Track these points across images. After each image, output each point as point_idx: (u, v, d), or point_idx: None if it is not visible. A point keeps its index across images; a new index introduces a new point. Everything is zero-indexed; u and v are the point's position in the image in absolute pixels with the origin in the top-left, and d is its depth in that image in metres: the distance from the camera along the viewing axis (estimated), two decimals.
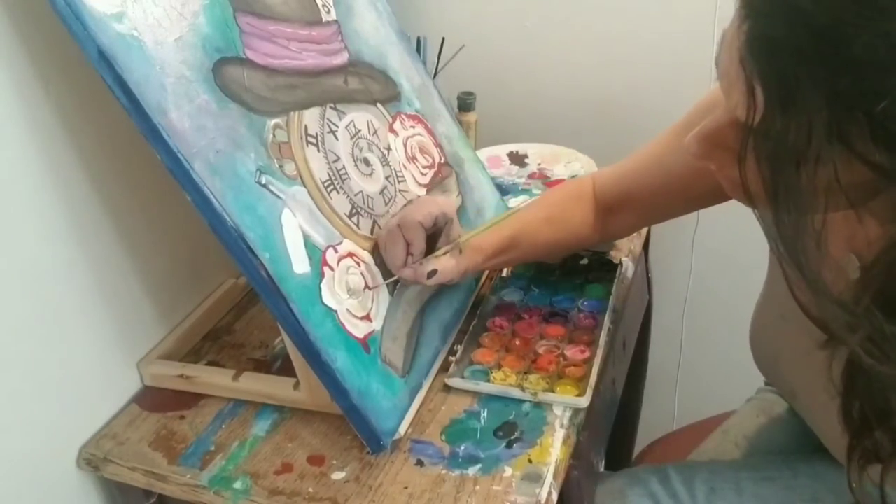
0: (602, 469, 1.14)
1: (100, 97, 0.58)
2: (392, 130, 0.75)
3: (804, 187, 0.40)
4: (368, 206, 0.68)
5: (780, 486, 0.74)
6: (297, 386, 0.68)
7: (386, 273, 0.67)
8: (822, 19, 0.37)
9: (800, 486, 0.73)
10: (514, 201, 0.96)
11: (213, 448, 0.66)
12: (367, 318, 0.64)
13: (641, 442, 1.12)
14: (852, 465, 0.50)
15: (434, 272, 0.65)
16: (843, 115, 0.37)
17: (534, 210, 0.75)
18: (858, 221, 0.43)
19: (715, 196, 0.64)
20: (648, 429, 1.13)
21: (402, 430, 0.65)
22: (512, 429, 0.65)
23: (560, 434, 0.65)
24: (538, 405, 0.68)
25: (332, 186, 0.65)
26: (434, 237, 0.68)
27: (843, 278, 0.49)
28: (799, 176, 0.39)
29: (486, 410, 0.68)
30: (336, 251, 0.63)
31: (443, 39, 1.01)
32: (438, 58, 1.01)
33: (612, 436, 1.06)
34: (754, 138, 0.41)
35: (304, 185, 0.62)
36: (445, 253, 0.67)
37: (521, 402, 0.68)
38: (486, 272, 0.86)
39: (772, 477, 0.75)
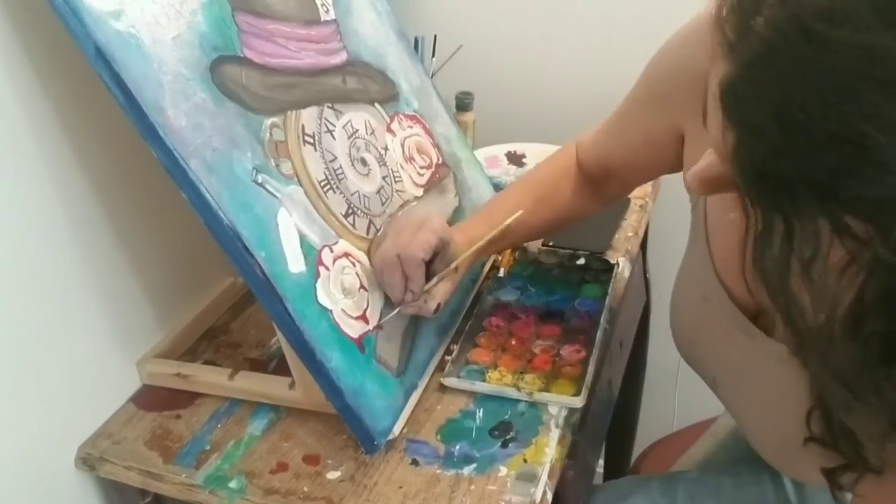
0: (600, 471, 1.14)
1: (99, 96, 0.58)
2: (390, 130, 0.75)
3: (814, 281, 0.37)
4: (365, 206, 0.68)
5: (759, 492, 0.74)
6: (292, 385, 0.68)
7: (389, 308, 0.67)
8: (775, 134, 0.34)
9: (780, 490, 0.73)
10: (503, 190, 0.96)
11: (208, 447, 0.66)
12: (362, 317, 0.64)
13: (641, 442, 1.12)
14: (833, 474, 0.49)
15: (439, 307, 0.66)
16: (840, 210, 0.34)
17: (523, 194, 0.73)
18: None
19: (679, 165, 0.63)
20: (648, 429, 1.13)
21: (397, 429, 0.65)
22: (507, 428, 0.66)
23: (555, 434, 0.65)
24: (534, 405, 0.68)
25: (328, 186, 0.65)
26: (432, 261, 0.67)
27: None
28: (809, 269, 0.36)
29: (481, 410, 0.68)
30: (332, 251, 0.63)
31: (435, 37, 1.01)
32: (433, 56, 1.01)
33: (611, 437, 1.06)
34: (760, 247, 0.38)
35: (301, 185, 0.62)
36: (442, 279, 0.66)
37: (517, 401, 0.68)
38: (485, 271, 0.86)
39: (752, 483, 0.75)
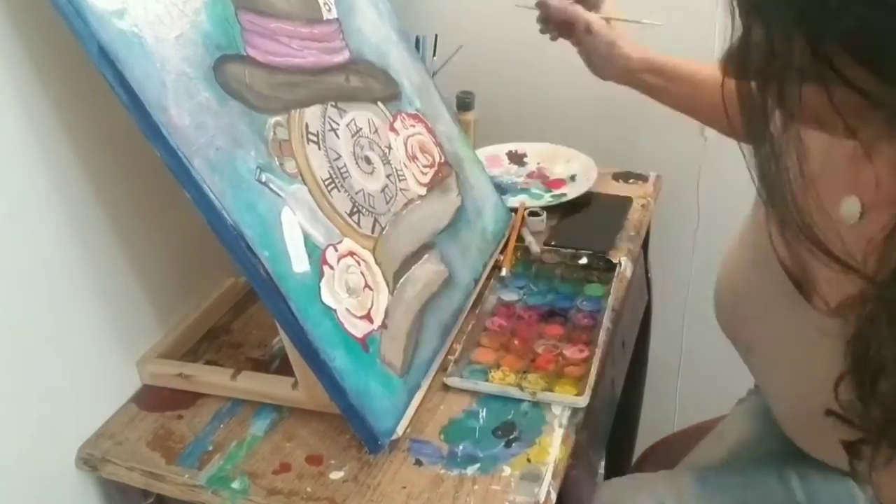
0: (602, 470, 1.14)
1: (99, 95, 0.57)
2: (393, 129, 0.75)
3: (790, 103, 0.40)
4: (369, 205, 0.68)
5: (766, 493, 0.74)
6: (295, 385, 0.68)
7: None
8: None
9: (787, 492, 0.73)
10: (513, 200, 0.96)
11: (211, 448, 0.66)
12: (367, 317, 0.64)
13: (642, 442, 1.12)
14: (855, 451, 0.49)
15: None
16: (817, 33, 0.38)
17: (700, 67, 0.78)
18: (867, 159, 0.42)
19: None
20: (649, 429, 1.13)
21: (401, 429, 0.65)
22: (511, 428, 0.65)
23: (559, 433, 0.64)
24: (537, 405, 0.68)
25: (332, 185, 0.65)
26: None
27: (836, 230, 0.47)
28: (785, 90, 0.40)
29: (484, 410, 0.68)
30: (336, 250, 0.63)
31: (436, 36, 1.01)
32: (434, 55, 1.01)
33: (612, 436, 1.06)
34: (741, 53, 0.42)
35: (305, 184, 0.62)
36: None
37: (520, 401, 0.68)
38: (486, 271, 0.86)
39: (759, 482, 0.75)
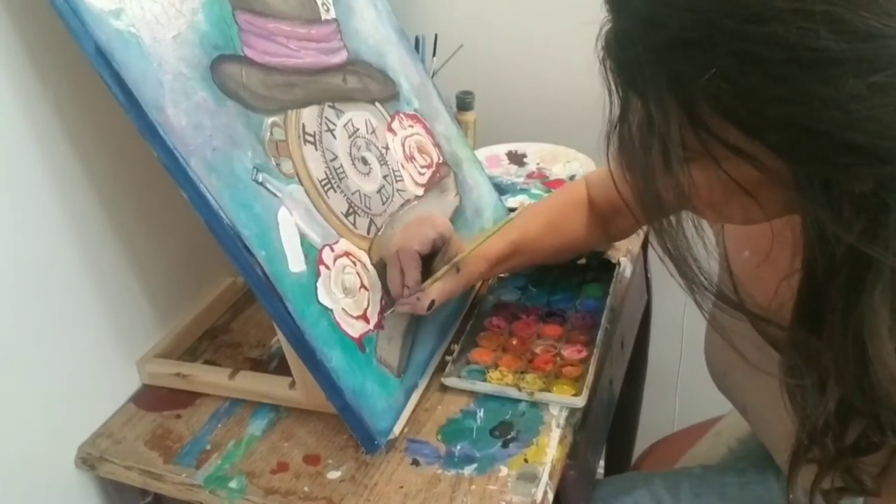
0: (601, 470, 1.14)
1: (98, 95, 0.58)
2: (390, 130, 0.75)
3: (685, 184, 0.42)
4: (366, 206, 0.68)
5: (765, 492, 0.74)
6: (292, 385, 0.68)
7: (391, 302, 0.67)
8: (644, 7, 0.39)
9: (784, 491, 0.73)
10: (512, 201, 0.96)
11: (208, 447, 0.66)
12: (363, 317, 0.64)
13: (642, 443, 1.11)
14: (793, 471, 0.50)
15: (432, 303, 0.66)
16: (685, 94, 0.39)
17: (534, 217, 0.76)
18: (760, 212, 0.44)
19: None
20: (648, 429, 1.13)
21: (398, 429, 0.65)
22: (508, 428, 0.65)
23: (556, 434, 0.64)
24: (535, 405, 0.67)
25: (329, 185, 0.65)
26: (433, 256, 0.68)
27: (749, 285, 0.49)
28: (673, 169, 0.41)
29: (482, 410, 0.68)
30: (332, 250, 0.63)
31: (436, 36, 1.01)
32: (434, 55, 1.01)
33: (612, 437, 1.06)
34: (620, 128, 0.44)
35: (301, 184, 0.62)
36: (443, 275, 0.66)
37: (518, 401, 0.68)
38: None
39: (757, 482, 0.75)
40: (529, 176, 1.04)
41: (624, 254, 0.88)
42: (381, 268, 0.67)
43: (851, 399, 0.44)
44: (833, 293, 0.41)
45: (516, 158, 1.07)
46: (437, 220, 0.68)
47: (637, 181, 0.44)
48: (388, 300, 0.67)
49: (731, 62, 0.37)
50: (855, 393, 0.43)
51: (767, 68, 0.36)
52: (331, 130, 0.67)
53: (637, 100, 0.42)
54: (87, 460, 0.67)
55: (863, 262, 0.39)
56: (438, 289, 0.66)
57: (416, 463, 0.63)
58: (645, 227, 0.96)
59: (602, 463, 1.19)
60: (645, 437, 1.09)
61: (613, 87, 0.43)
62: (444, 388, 0.70)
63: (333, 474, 0.63)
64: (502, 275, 0.85)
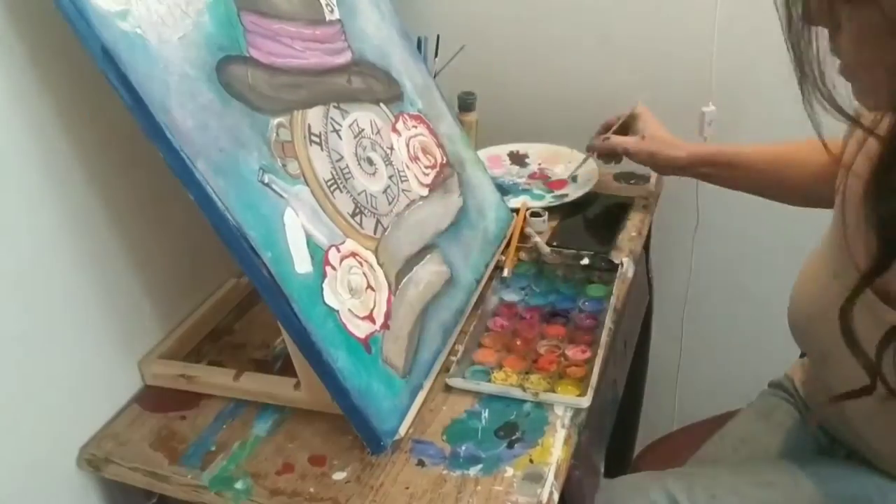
0: (602, 469, 1.15)
1: (100, 95, 0.58)
2: (395, 130, 0.75)
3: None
4: (372, 206, 0.68)
5: (780, 492, 0.73)
6: (297, 386, 0.68)
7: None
8: None
9: (801, 492, 0.73)
10: (514, 201, 0.96)
11: (213, 448, 0.66)
12: (369, 318, 0.64)
13: (641, 441, 1.12)
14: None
15: (606, 138, 0.82)
16: None
17: (755, 148, 0.81)
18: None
19: None
20: (648, 429, 1.14)
21: (403, 430, 0.65)
22: (513, 429, 0.65)
23: (561, 434, 0.65)
24: (539, 405, 0.68)
25: (335, 186, 0.65)
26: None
27: None
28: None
29: (487, 410, 0.68)
30: (338, 251, 0.63)
31: (438, 37, 1.01)
32: (436, 56, 1.01)
33: (612, 436, 1.06)
34: None
35: (307, 185, 0.62)
36: (617, 131, 0.82)
37: (523, 402, 0.68)
38: (488, 271, 0.86)
39: (772, 482, 0.74)
40: (531, 176, 1.05)
41: (626, 254, 0.88)
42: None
43: None
44: None
45: (518, 159, 1.08)
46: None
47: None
48: None
49: None
50: None
51: None
52: (336, 131, 0.67)
53: None
54: (92, 462, 0.67)
55: None
56: (616, 137, 0.80)
57: (421, 464, 0.63)
58: (648, 227, 0.97)
59: (603, 463, 1.19)
60: (644, 437, 1.09)
61: None
62: (449, 389, 0.70)
63: (339, 475, 0.63)
64: (504, 274, 0.85)
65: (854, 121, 0.49)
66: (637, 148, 0.89)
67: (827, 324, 0.65)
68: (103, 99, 0.54)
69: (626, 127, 0.95)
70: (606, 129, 0.97)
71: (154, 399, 0.72)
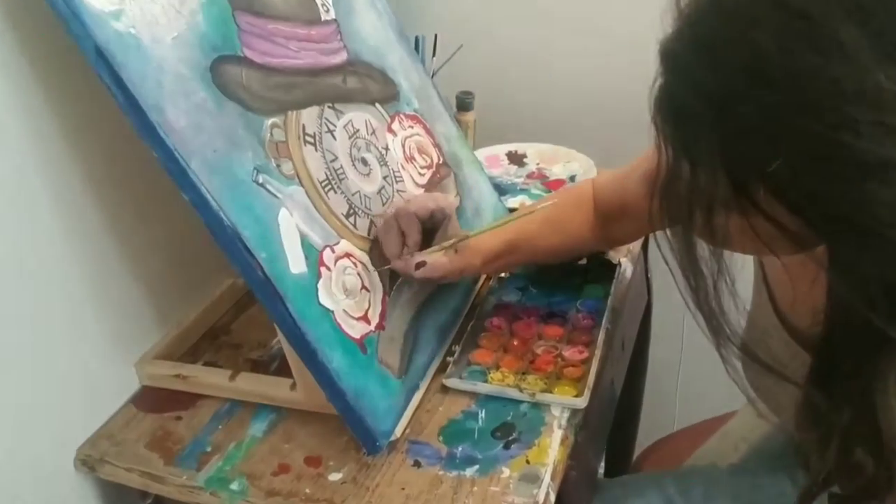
0: (601, 470, 1.14)
1: (97, 96, 0.57)
2: (390, 130, 0.75)
3: (717, 231, 0.43)
4: (366, 207, 0.68)
5: (776, 494, 0.73)
6: (293, 386, 0.68)
7: (382, 262, 0.67)
8: (713, 88, 0.40)
9: (797, 493, 0.73)
10: (512, 201, 0.96)
11: (209, 449, 0.66)
12: (364, 318, 0.63)
13: (642, 443, 1.11)
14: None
15: (423, 264, 0.66)
16: (740, 173, 0.40)
17: (533, 216, 0.75)
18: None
19: None
20: (649, 429, 1.13)
21: (399, 431, 0.65)
22: (510, 429, 0.65)
23: (558, 435, 0.64)
24: (536, 406, 0.67)
25: (329, 186, 0.65)
26: (432, 234, 0.68)
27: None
28: (710, 220, 0.43)
29: (483, 411, 0.68)
30: (333, 251, 0.63)
31: (435, 36, 1.01)
32: (433, 55, 1.01)
33: (612, 437, 1.06)
34: (668, 181, 0.44)
35: (302, 185, 0.62)
36: (440, 250, 0.67)
37: (519, 402, 0.68)
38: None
39: (770, 484, 0.74)
40: (529, 176, 1.04)
41: (624, 254, 0.88)
42: (375, 246, 0.67)
43: (858, 457, 0.45)
44: (848, 361, 0.43)
45: (516, 159, 1.07)
46: (439, 196, 0.69)
47: (676, 231, 0.46)
48: (382, 263, 0.67)
49: (798, 157, 0.38)
50: (863, 451, 0.44)
51: (833, 168, 0.37)
52: (331, 131, 0.67)
53: (685, 162, 0.43)
54: (87, 462, 0.67)
55: (882, 338, 0.40)
56: (432, 257, 0.67)
57: (417, 464, 0.63)
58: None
59: (602, 463, 1.19)
60: (645, 437, 1.09)
61: (662, 144, 0.44)
62: (446, 390, 0.70)
63: (335, 476, 0.63)
64: (502, 275, 0.85)
65: (779, 373, 0.49)
66: (449, 271, 0.68)
67: (770, 383, 0.66)
68: (101, 99, 0.54)
69: (430, 229, 0.69)
70: (407, 237, 0.68)
71: (150, 399, 0.72)
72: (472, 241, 0.69)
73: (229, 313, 0.84)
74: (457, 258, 0.68)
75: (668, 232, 0.47)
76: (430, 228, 0.68)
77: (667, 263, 0.49)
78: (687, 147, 0.42)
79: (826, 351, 0.45)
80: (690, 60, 0.41)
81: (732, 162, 0.40)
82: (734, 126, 0.39)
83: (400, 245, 0.66)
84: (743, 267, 0.54)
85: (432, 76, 0.96)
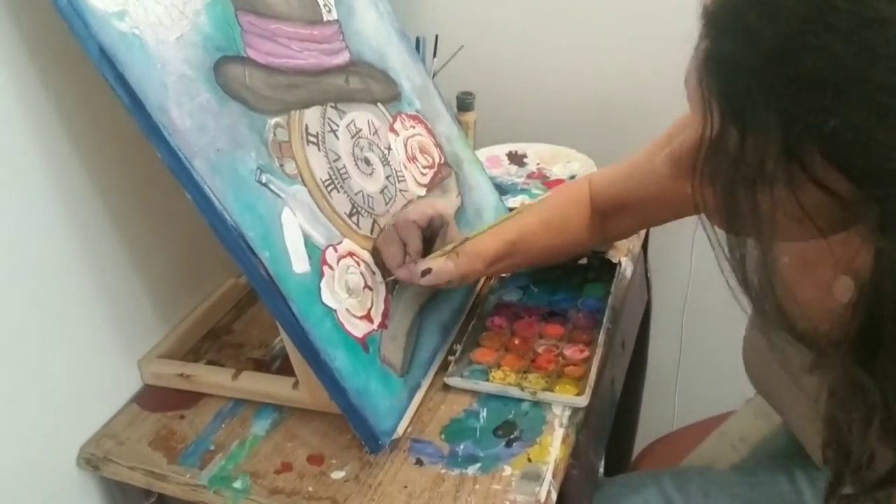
0: (601, 469, 1.15)
1: (100, 95, 0.58)
2: (392, 130, 0.75)
3: (760, 209, 0.41)
4: (369, 206, 0.68)
5: (775, 493, 0.74)
6: (296, 385, 0.68)
7: (386, 273, 0.67)
8: (771, 39, 0.38)
9: (797, 493, 0.73)
10: (512, 201, 0.96)
11: (212, 447, 0.66)
12: (367, 317, 0.64)
13: (641, 442, 1.12)
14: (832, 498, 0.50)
15: (428, 271, 0.66)
16: (795, 134, 0.38)
17: (531, 215, 0.76)
18: (858, 241, 0.43)
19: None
20: (648, 429, 1.13)
21: (401, 429, 0.65)
22: (511, 428, 0.66)
23: (559, 433, 0.65)
24: (537, 404, 0.68)
25: (332, 186, 0.65)
26: (431, 241, 0.69)
27: (829, 307, 0.48)
28: (754, 197, 0.40)
29: (485, 410, 0.68)
30: (336, 250, 0.63)
31: (437, 37, 1.01)
32: (434, 56, 1.01)
33: (611, 436, 1.06)
34: (711, 156, 0.42)
35: (305, 185, 0.62)
36: (442, 255, 0.67)
37: (521, 401, 0.68)
38: None
39: (767, 483, 0.75)
40: (530, 176, 1.05)
41: (625, 253, 0.88)
42: (376, 255, 0.67)
43: None
44: (893, 335, 0.41)
45: (516, 159, 1.07)
46: (437, 202, 0.68)
47: (719, 201, 0.43)
48: (385, 272, 0.67)
49: (860, 112, 0.36)
50: None
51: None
52: (333, 131, 0.68)
53: (733, 130, 0.40)
54: (91, 461, 0.67)
55: None
56: (436, 263, 0.66)
57: (419, 462, 0.63)
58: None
59: (601, 462, 1.19)
60: (644, 436, 1.09)
61: (707, 108, 0.41)
62: (447, 388, 0.70)
63: (337, 474, 0.63)
64: (504, 275, 0.85)
65: (813, 343, 0.46)
66: (453, 276, 0.68)
67: (779, 387, 0.66)
68: (104, 99, 0.55)
69: (428, 237, 0.70)
70: (408, 245, 0.68)
71: (153, 398, 0.72)
72: (474, 246, 0.68)
73: (232, 312, 0.84)
74: (461, 262, 0.68)
75: (703, 215, 0.45)
76: (430, 236, 0.68)
77: (709, 240, 0.47)
78: (738, 110, 0.40)
79: (871, 326, 0.42)
80: (744, 10, 0.39)
81: (788, 121, 0.38)
82: (792, 80, 0.37)
83: (401, 254, 0.66)
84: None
85: (433, 76, 0.96)
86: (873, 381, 0.43)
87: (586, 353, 0.72)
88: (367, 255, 0.66)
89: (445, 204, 0.69)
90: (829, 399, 0.47)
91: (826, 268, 0.46)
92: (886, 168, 0.37)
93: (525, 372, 0.70)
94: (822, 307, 0.46)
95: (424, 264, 0.66)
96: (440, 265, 0.66)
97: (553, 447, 0.63)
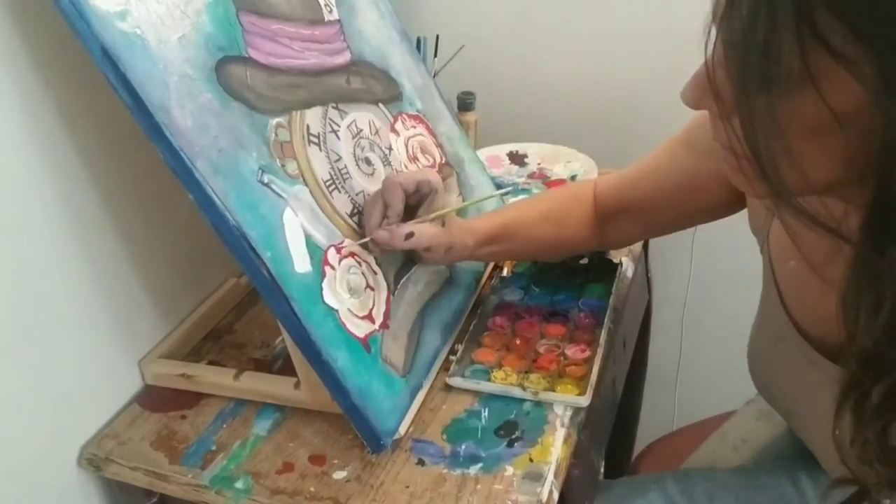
0: (602, 469, 1.15)
1: (100, 95, 0.58)
2: (394, 130, 0.75)
3: (775, 80, 0.39)
4: None
5: (779, 496, 0.74)
6: (297, 385, 0.68)
7: (364, 236, 0.65)
8: None
9: (801, 495, 0.73)
10: (513, 201, 0.96)
11: (214, 448, 0.66)
12: (369, 317, 0.64)
13: (641, 442, 1.12)
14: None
15: (411, 234, 0.64)
16: None
17: (531, 204, 0.75)
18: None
19: (709, 213, 0.67)
20: (648, 429, 1.13)
21: (403, 429, 0.65)
22: (513, 428, 0.66)
23: (561, 433, 0.65)
24: (539, 404, 0.68)
25: (333, 186, 0.65)
26: (416, 207, 0.66)
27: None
28: (767, 69, 0.39)
29: (486, 410, 0.68)
30: (337, 251, 0.63)
31: (437, 37, 1.01)
32: (435, 56, 1.01)
33: (611, 436, 1.06)
34: (726, 22, 0.41)
35: (306, 185, 0.62)
36: (425, 221, 0.65)
37: (522, 401, 0.68)
38: (488, 270, 0.86)
39: (771, 485, 0.75)
40: (530, 176, 1.05)
41: (626, 254, 0.88)
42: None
43: None
44: None
45: (517, 159, 1.08)
46: (428, 170, 0.67)
47: (730, 50, 0.41)
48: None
49: None
50: None
51: None
52: (335, 131, 0.68)
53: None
54: (93, 461, 0.67)
55: None
56: (419, 227, 0.64)
57: (421, 462, 0.63)
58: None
59: (602, 463, 1.19)
60: (644, 437, 1.09)
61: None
62: (449, 388, 0.70)
63: (339, 474, 0.63)
64: (504, 274, 0.85)
65: (835, 232, 0.43)
66: (438, 242, 0.66)
67: (784, 388, 0.66)
68: (105, 98, 0.54)
69: (416, 204, 0.67)
70: (389, 208, 0.66)
71: (154, 398, 0.72)
72: (465, 221, 0.68)
73: (233, 312, 0.84)
74: (445, 233, 0.66)
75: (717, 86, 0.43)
76: (416, 203, 0.66)
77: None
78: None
79: (882, 208, 0.41)
80: None
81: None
82: None
83: (380, 217, 0.64)
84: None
85: (434, 76, 0.97)
86: (884, 268, 0.41)
87: (588, 353, 0.72)
88: (368, 256, 0.66)
89: (435, 172, 0.67)
90: (843, 282, 0.45)
91: (833, 267, 0.46)
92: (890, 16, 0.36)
93: (526, 372, 0.70)
94: (831, 308, 0.45)
95: (408, 227, 0.64)
96: (423, 229, 0.64)
97: (555, 447, 0.63)
